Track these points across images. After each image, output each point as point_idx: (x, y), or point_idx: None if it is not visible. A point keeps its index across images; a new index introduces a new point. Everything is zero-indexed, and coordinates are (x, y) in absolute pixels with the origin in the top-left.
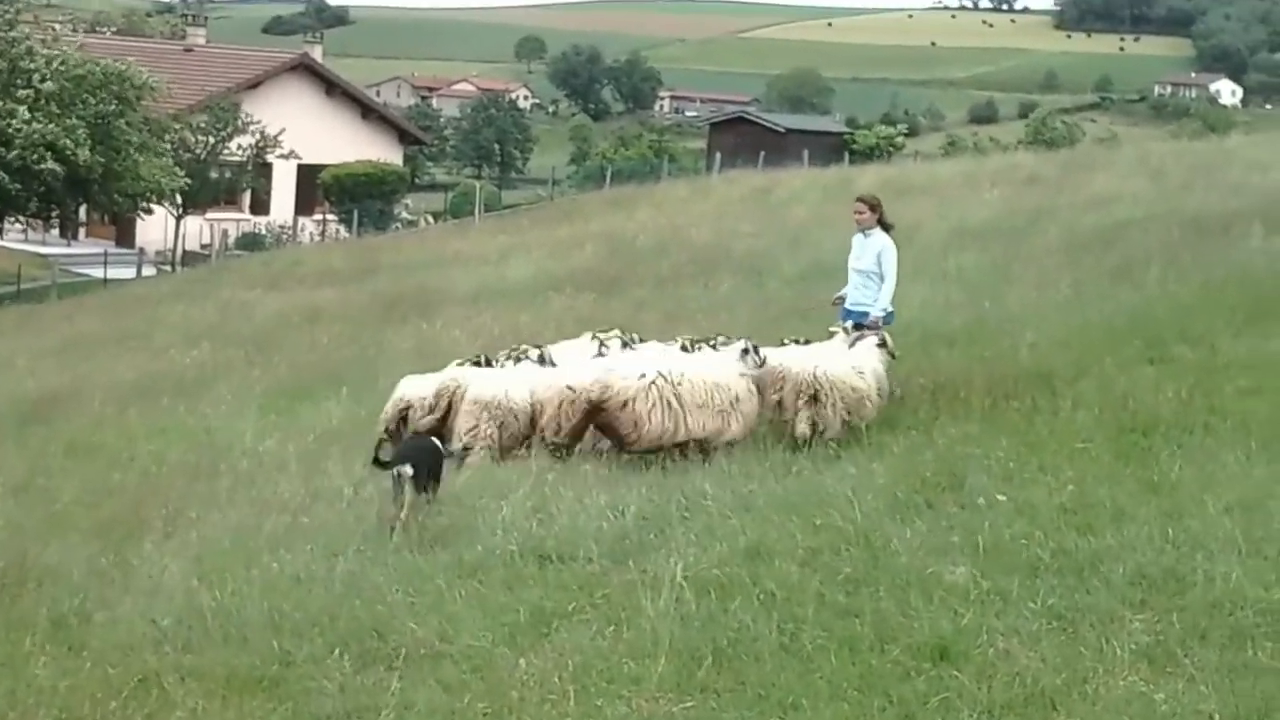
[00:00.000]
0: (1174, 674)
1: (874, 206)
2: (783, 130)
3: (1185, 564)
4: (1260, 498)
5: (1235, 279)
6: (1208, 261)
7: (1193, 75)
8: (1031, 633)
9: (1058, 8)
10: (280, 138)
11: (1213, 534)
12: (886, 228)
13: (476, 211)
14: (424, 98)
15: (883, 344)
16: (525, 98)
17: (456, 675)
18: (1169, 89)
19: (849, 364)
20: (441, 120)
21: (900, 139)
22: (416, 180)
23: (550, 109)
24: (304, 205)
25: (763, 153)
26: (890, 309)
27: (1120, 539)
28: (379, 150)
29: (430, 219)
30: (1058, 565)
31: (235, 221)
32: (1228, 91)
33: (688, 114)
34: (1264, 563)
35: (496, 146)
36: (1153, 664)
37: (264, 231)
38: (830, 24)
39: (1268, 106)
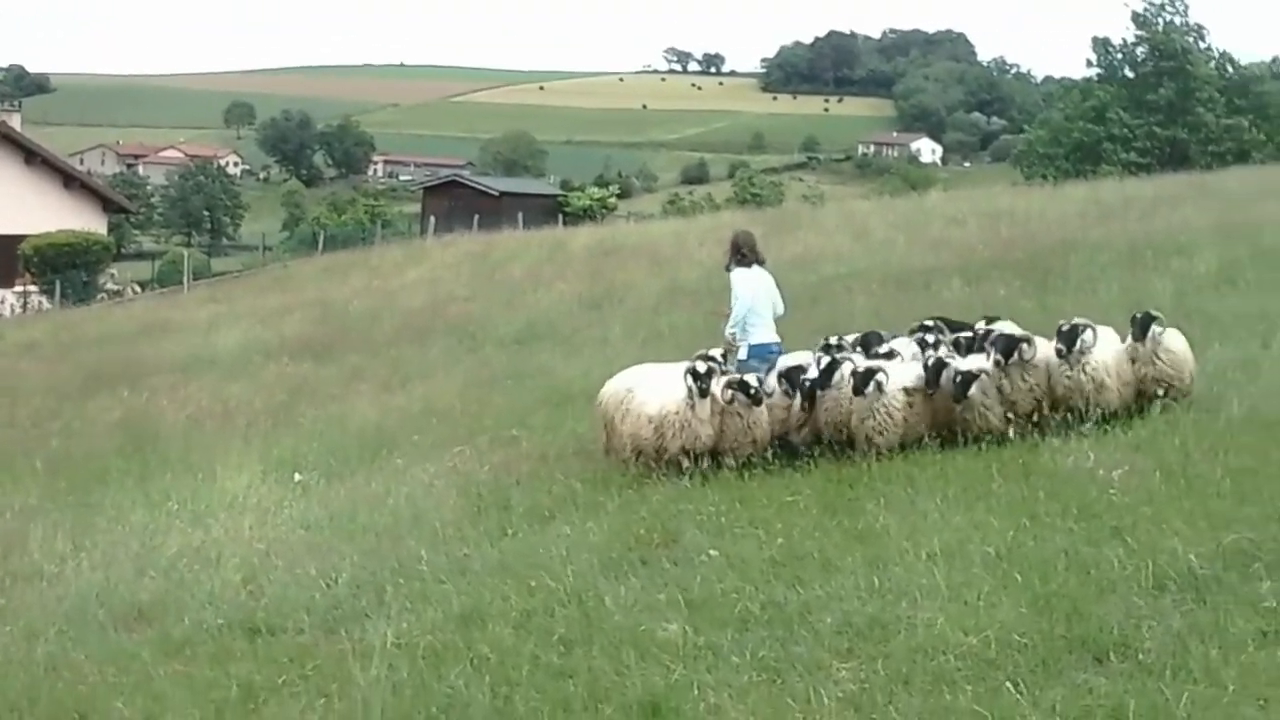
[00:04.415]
0: None
1: (731, 247)
2: (497, 194)
3: (890, 612)
4: (960, 543)
5: None
6: (910, 315)
7: (894, 135)
8: (741, 686)
9: (763, 70)
10: None
11: (916, 581)
12: (751, 262)
13: (185, 280)
14: (129, 165)
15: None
16: (235, 164)
17: None
18: (872, 148)
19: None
20: (149, 188)
21: (613, 200)
22: (123, 249)
23: (261, 175)
24: (3, 277)
25: (477, 216)
26: (762, 343)
27: (828, 589)
28: (82, 219)
29: (137, 288)
30: (768, 617)
31: None
32: (928, 150)
33: (401, 178)
34: (964, 608)
35: (206, 213)
36: (859, 711)
37: None
38: (542, 88)
39: (966, 164)
